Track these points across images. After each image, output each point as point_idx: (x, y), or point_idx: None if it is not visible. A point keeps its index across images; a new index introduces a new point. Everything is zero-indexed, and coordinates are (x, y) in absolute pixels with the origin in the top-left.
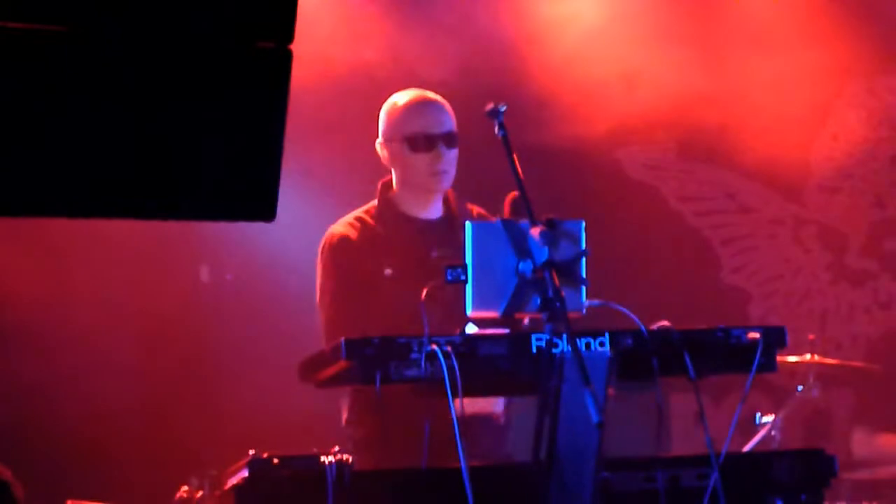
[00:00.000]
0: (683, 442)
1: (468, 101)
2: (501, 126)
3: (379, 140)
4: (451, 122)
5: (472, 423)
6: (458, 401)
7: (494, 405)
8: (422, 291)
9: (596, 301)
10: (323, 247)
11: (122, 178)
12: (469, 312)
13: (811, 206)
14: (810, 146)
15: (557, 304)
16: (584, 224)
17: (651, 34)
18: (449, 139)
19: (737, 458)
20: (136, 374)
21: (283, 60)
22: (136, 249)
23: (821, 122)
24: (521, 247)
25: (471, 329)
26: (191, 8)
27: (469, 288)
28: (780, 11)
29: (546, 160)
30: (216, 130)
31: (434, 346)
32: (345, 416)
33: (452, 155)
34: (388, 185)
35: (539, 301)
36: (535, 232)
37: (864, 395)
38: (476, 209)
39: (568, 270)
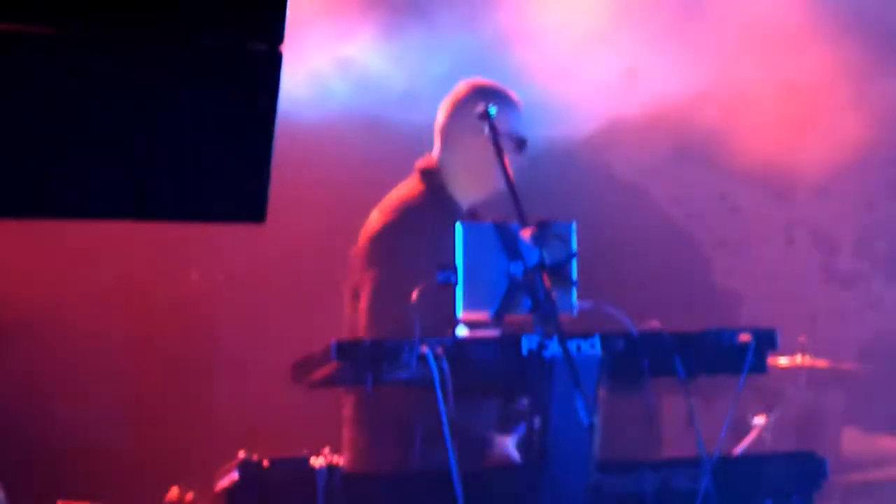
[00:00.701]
0: (675, 444)
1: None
2: (492, 128)
3: (454, 120)
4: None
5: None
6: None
7: (507, 447)
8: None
9: (587, 303)
10: (373, 238)
11: (113, 179)
12: (460, 314)
13: (803, 208)
14: (802, 148)
15: (548, 305)
16: (574, 226)
17: (643, 36)
18: (524, 144)
19: (728, 461)
20: (126, 375)
21: (274, 61)
22: (127, 250)
23: (812, 124)
24: (512, 248)
25: (462, 331)
26: (180, 10)
27: (460, 290)
28: (772, 15)
29: (536, 162)
30: (206, 132)
31: (425, 349)
32: (348, 412)
33: (522, 157)
34: (434, 173)
35: (530, 303)
36: (525, 234)
37: (855, 397)
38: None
39: (558, 272)
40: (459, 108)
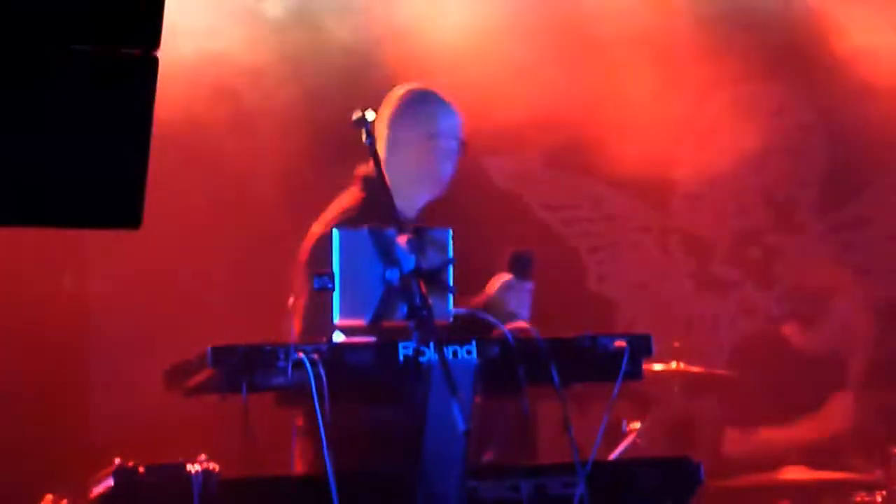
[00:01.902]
0: (550, 450)
1: (331, 101)
2: (369, 134)
3: (391, 126)
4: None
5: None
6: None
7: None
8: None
9: (462, 309)
10: (311, 249)
11: None
12: (336, 320)
13: (676, 214)
14: (675, 155)
15: (424, 312)
16: (451, 232)
17: (519, 42)
18: (461, 148)
19: (603, 466)
20: None
21: (149, 66)
22: None
23: (685, 131)
24: (389, 255)
25: (338, 337)
26: (52, 15)
27: (336, 296)
28: (648, 24)
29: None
30: (79, 136)
31: (301, 354)
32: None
33: (455, 162)
34: (372, 179)
35: (406, 309)
36: (402, 240)
37: (729, 403)
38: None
39: (435, 279)
40: (400, 114)
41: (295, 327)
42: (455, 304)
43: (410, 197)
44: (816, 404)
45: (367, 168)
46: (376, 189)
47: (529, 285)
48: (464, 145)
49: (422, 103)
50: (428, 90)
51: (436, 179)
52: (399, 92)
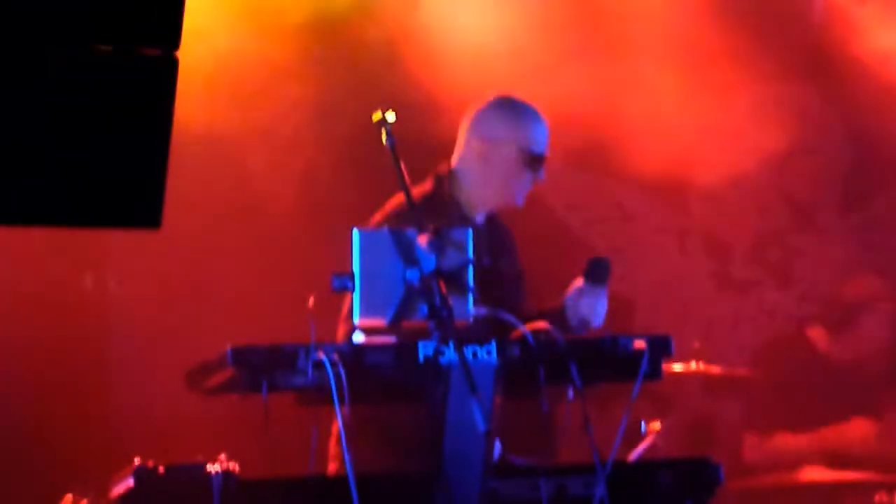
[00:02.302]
0: (570, 450)
1: (351, 105)
2: (389, 135)
3: (478, 131)
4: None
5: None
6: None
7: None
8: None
9: (483, 309)
10: (394, 219)
11: (6, 185)
12: (356, 321)
13: (696, 214)
14: (696, 156)
15: (444, 312)
16: (471, 232)
17: (541, 42)
18: (545, 163)
19: (622, 467)
20: (19, 382)
21: (169, 67)
22: (20, 254)
23: (707, 131)
24: (409, 255)
25: (358, 337)
26: (74, 16)
27: (356, 296)
28: (668, 22)
29: (432, 168)
30: (100, 137)
31: (321, 355)
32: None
33: (542, 174)
34: (446, 178)
35: (426, 309)
36: (422, 240)
37: (749, 403)
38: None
39: (455, 278)
40: (479, 120)
41: (340, 329)
42: (527, 309)
43: (477, 203)
44: (838, 408)
45: (444, 165)
46: (445, 186)
47: (603, 291)
48: (536, 160)
49: (499, 113)
50: (511, 100)
51: (499, 191)
52: (485, 98)
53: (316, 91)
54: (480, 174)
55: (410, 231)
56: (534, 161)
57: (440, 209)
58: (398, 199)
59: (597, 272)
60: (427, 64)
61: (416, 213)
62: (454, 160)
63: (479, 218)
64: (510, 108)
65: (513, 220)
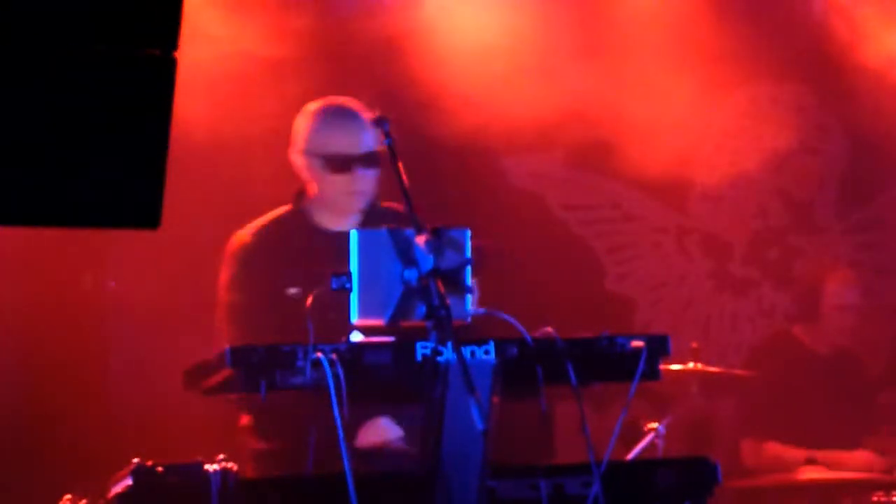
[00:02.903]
0: (567, 450)
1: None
2: (387, 134)
3: (294, 148)
4: (371, 140)
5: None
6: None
7: (388, 432)
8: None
9: (481, 309)
10: (232, 254)
11: (4, 185)
12: (354, 320)
13: (694, 214)
14: (694, 155)
15: (442, 312)
16: (469, 232)
17: (540, 41)
18: (367, 160)
19: (620, 467)
20: (17, 382)
21: (168, 67)
22: (18, 254)
23: (704, 130)
24: (407, 255)
25: (356, 337)
26: (73, 15)
27: (354, 296)
28: (666, 23)
29: (431, 168)
30: (99, 137)
31: (319, 354)
32: (246, 420)
33: (371, 175)
34: (303, 194)
35: (424, 309)
36: (420, 240)
37: (747, 403)
38: (394, 206)
39: (453, 279)
40: (299, 133)
41: (227, 335)
42: None
43: (337, 213)
44: (836, 409)
45: (300, 187)
46: (300, 204)
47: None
48: (369, 157)
49: (313, 123)
50: (322, 105)
51: (343, 196)
52: (309, 109)
53: (317, 90)
54: (315, 188)
55: (409, 231)
56: (338, 163)
57: (293, 228)
58: (265, 217)
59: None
60: (430, 62)
61: (413, 216)
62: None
63: (342, 227)
64: (312, 117)
65: (510, 220)
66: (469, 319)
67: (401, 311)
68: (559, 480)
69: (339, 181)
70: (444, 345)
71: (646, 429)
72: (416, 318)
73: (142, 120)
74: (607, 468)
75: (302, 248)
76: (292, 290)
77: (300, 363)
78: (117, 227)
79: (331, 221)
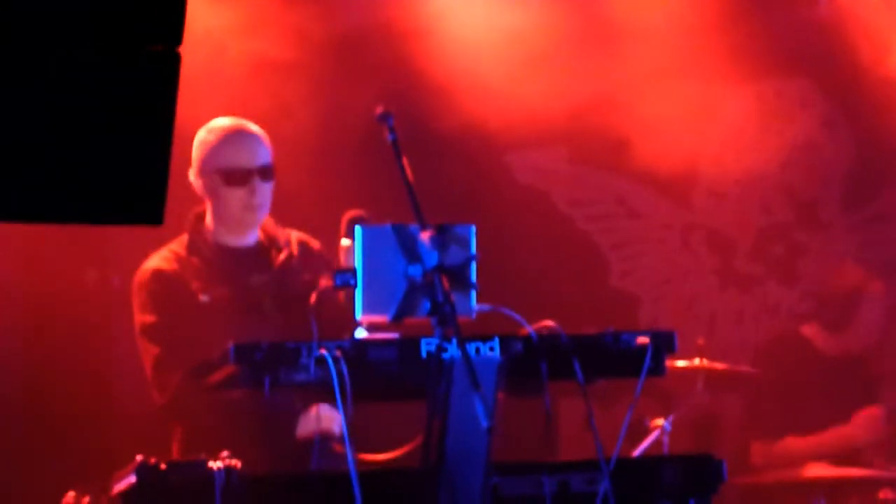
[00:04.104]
0: (573, 447)
1: (354, 96)
2: (391, 130)
3: (192, 170)
4: (266, 154)
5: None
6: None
7: (332, 423)
8: (246, 316)
9: (486, 306)
10: (138, 283)
11: (6, 181)
12: (359, 317)
13: (700, 210)
14: (699, 151)
15: (447, 308)
16: (474, 229)
17: (545, 38)
18: (264, 172)
19: (626, 463)
20: (21, 378)
21: (172, 62)
22: (22, 250)
23: (709, 127)
24: (411, 251)
25: (360, 334)
26: (76, 11)
27: (359, 292)
28: (670, 18)
29: (435, 164)
30: (102, 133)
31: (323, 351)
32: (176, 448)
33: (268, 188)
34: (201, 216)
35: (429, 305)
36: (424, 236)
37: (752, 400)
38: (298, 236)
39: (458, 275)
40: (196, 154)
41: (149, 358)
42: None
43: (235, 228)
44: (842, 407)
45: (194, 212)
46: (202, 228)
47: None
48: (265, 170)
49: (209, 141)
50: (216, 124)
51: (240, 210)
52: (202, 132)
53: (319, 88)
54: (211, 209)
55: (413, 227)
56: (233, 176)
57: (196, 249)
58: (170, 246)
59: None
60: (435, 58)
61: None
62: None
63: (244, 241)
64: (204, 136)
65: (514, 217)
66: (474, 316)
67: (405, 307)
68: (564, 477)
69: (237, 194)
70: (449, 341)
71: (651, 426)
72: (421, 314)
73: (145, 116)
74: (613, 465)
75: (207, 265)
76: (204, 298)
77: (304, 360)
78: (121, 224)
79: (230, 238)
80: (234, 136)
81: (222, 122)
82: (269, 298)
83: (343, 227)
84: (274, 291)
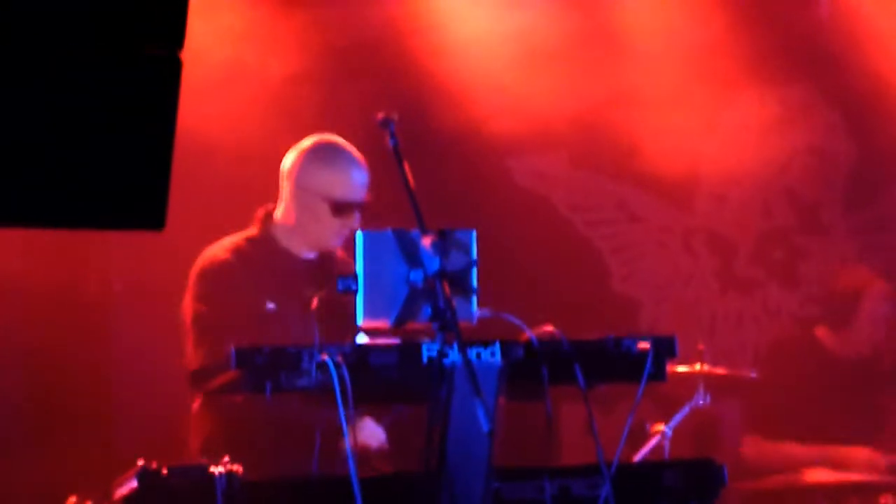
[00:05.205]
0: (574, 451)
1: (355, 99)
2: (392, 135)
3: (289, 175)
4: (367, 187)
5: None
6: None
7: (372, 439)
8: (302, 327)
9: (487, 311)
10: (201, 271)
11: (7, 185)
12: (360, 322)
13: (700, 214)
14: (699, 155)
15: (448, 313)
16: (475, 234)
17: (542, 44)
18: (362, 206)
19: (627, 468)
20: (22, 384)
21: (173, 66)
22: (23, 256)
23: (710, 131)
24: (413, 256)
25: (362, 339)
26: (78, 15)
27: (360, 298)
28: (671, 22)
29: (436, 169)
30: (104, 138)
31: (325, 356)
32: (197, 443)
33: (358, 219)
34: (271, 216)
35: (430, 311)
36: (426, 242)
37: (753, 404)
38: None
39: (459, 280)
40: (294, 167)
41: (200, 350)
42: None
43: (312, 245)
44: (845, 409)
45: (266, 208)
46: (269, 229)
47: None
48: (364, 204)
49: (324, 164)
50: (331, 143)
51: (317, 238)
52: (307, 143)
53: (319, 90)
54: (295, 220)
55: (414, 232)
56: (343, 208)
57: (265, 250)
58: (231, 239)
59: None
60: (436, 62)
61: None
62: (278, 204)
63: (310, 254)
64: (322, 157)
65: (515, 221)
66: (475, 321)
67: (406, 312)
68: (565, 482)
69: (337, 223)
70: (450, 346)
71: (652, 430)
72: (422, 319)
73: (147, 120)
74: (614, 470)
75: (274, 270)
76: (270, 305)
77: (306, 365)
78: (122, 229)
79: (304, 250)
80: (352, 169)
81: (338, 149)
82: (323, 311)
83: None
84: (327, 304)
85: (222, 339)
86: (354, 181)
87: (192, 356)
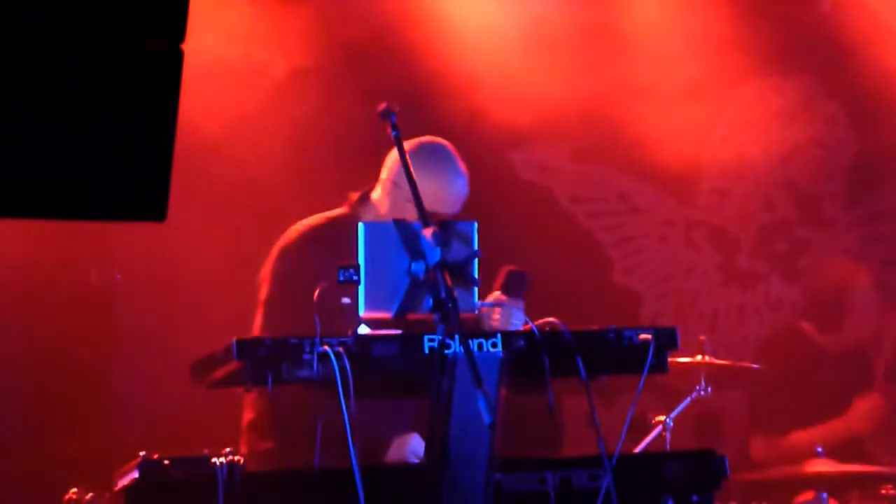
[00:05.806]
0: (576, 443)
1: (356, 92)
2: (394, 126)
3: (391, 169)
4: (462, 198)
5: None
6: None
7: (409, 452)
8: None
9: (488, 302)
10: (284, 248)
11: (8, 177)
12: (362, 313)
13: (702, 207)
14: (701, 148)
15: (450, 304)
16: (476, 225)
17: (544, 36)
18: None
19: (629, 459)
20: (24, 375)
21: (175, 59)
22: (24, 247)
23: (712, 124)
24: (414, 248)
25: (363, 330)
26: (79, 6)
27: (362, 289)
28: (671, 15)
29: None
30: (105, 129)
31: (326, 347)
32: (250, 416)
33: None
34: (366, 197)
35: (431, 302)
36: (427, 233)
37: (755, 396)
38: None
39: (460, 271)
40: (396, 162)
41: (273, 321)
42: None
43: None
44: (842, 402)
45: (355, 194)
46: (361, 212)
47: (520, 303)
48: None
49: (429, 173)
50: (436, 144)
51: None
52: (416, 141)
53: (320, 85)
54: (386, 211)
55: (416, 223)
56: (430, 217)
57: (345, 232)
58: (319, 216)
59: (515, 285)
60: (438, 53)
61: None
62: (376, 187)
63: None
64: (422, 163)
65: (517, 213)
66: (476, 312)
67: (408, 303)
68: (566, 473)
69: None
70: (452, 338)
71: (654, 422)
72: (424, 310)
73: (148, 112)
74: (616, 461)
75: (353, 254)
76: (346, 300)
77: (307, 356)
78: (124, 220)
79: None
80: (448, 181)
81: (440, 157)
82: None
83: (500, 279)
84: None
85: (287, 327)
86: (448, 194)
87: (256, 334)
